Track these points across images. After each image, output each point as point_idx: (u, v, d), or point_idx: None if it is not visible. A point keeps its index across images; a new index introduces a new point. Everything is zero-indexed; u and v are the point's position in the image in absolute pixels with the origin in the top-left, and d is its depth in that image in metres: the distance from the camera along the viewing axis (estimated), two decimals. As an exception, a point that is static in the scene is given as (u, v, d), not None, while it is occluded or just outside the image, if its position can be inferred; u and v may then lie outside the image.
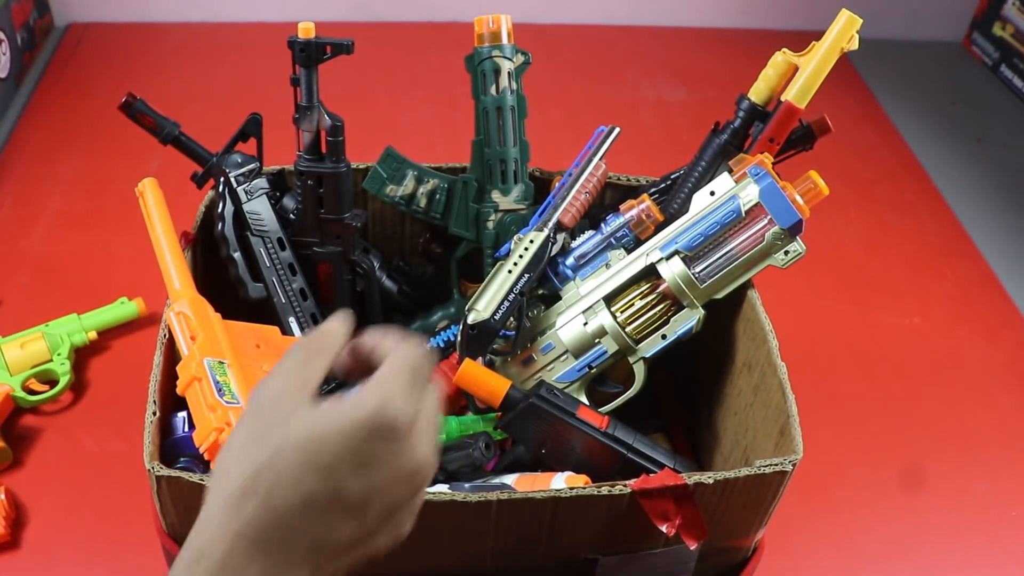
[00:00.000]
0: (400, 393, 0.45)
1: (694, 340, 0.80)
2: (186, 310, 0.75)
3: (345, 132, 0.83)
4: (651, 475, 0.64)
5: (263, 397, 0.46)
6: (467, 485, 0.73)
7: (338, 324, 0.50)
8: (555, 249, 0.81)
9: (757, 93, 0.82)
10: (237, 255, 0.85)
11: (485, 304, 0.79)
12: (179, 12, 1.72)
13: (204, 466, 0.72)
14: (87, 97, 1.49)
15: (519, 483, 0.73)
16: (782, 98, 0.80)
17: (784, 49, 0.81)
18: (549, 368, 0.82)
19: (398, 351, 0.48)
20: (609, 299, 0.80)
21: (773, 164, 0.79)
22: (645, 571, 0.72)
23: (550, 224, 0.81)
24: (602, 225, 0.82)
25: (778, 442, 0.72)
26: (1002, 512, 0.97)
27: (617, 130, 0.83)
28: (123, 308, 1.06)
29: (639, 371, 0.81)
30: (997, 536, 0.95)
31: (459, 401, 0.87)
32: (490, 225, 0.87)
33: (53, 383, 0.98)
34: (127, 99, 0.82)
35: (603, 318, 0.80)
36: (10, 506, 0.86)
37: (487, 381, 0.77)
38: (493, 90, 0.84)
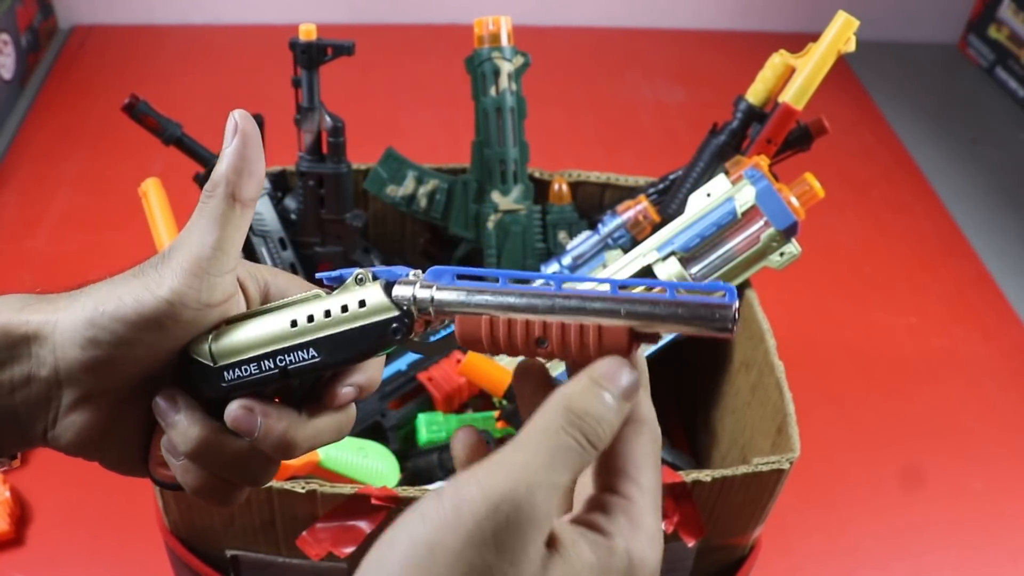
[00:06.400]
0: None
1: (692, 339, 0.80)
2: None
3: (346, 133, 0.83)
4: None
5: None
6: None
7: None
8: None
9: (755, 94, 0.83)
10: (239, 255, 0.85)
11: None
12: (182, 14, 1.73)
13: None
14: (91, 98, 1.50)
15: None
16: (779, 99, 0.80)
17: (781, 51, 0.82)
18: (546, 365, 0.82)
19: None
20: (607, 299, 0.81)
21: (770, 165, 0.80)
22: (643, 568, 0.72)
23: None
24: (599, 225, 0.83)
25: (775, 440, 0.72)
26: (998, 509, 0.98)
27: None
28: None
29: (636, 370, 0.81)
30: (993, 533, 0.95)
31: (459, 400, 0.87)
32: (490, 225, 0.88)
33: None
34: (130, 100, 0.82)
35: (601, 317, 0.80)
36: (15, 503, 0.87)
37: (491, 372, 0.79)
38: (493, 91, 0.85)
